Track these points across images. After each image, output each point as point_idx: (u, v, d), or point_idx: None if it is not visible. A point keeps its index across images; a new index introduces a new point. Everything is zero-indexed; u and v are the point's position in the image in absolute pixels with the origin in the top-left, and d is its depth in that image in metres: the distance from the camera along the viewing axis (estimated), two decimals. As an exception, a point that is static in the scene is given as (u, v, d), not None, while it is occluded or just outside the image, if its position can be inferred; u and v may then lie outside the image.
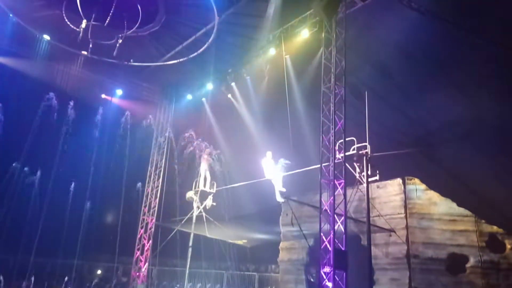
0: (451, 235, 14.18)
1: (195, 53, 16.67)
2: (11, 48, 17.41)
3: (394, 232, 14.48)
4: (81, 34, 14.05)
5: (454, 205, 14.46)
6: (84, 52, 16.95)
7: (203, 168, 15.74)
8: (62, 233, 18.80)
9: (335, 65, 12.15)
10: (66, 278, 18.49)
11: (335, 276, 10.53)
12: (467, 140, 12.96)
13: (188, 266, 16.51)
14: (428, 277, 13.78)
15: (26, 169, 18.46)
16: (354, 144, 11.88)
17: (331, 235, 10.82)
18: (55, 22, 15.27)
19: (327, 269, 10.74)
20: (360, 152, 11.82)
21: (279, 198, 13.64)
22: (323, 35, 12.95)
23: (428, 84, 12.66)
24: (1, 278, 16.62)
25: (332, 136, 11.56)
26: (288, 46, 14.89)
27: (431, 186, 14.88)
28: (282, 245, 18.32)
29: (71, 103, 18.51)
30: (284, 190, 13.60)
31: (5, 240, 17.62)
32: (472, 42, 10.87)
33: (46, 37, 16.44)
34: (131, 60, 17.78)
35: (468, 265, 13.81)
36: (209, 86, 19.09)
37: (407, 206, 14.81)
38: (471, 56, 11.27)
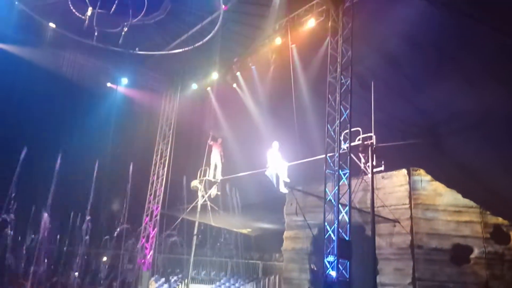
0: (456, 226, 14.19)
1: (201, 42, 16.61)
2: (17, 36, 17.40)
3: (399, 222, 14.51)
4: (86, 22, 14.01)
5: (459, 196, 14.44)
6: (90, 41, 16.97)
7: (215, 157, 15.68)
8: (67, 220, 18.99)
9: (342, 55, 12.06)
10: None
11: (339, 265, 10.59)
12: (474, 131, 12.85)
13: (193, 254, 16.68)
14: (432, 267, 13.84)
15: (31, 158, 18.53)
16: (360, 135, 11.85)
17: (336, 225, 10.86)
18: (61, 10, 15.22)
19: (331, 258, 10.80)
20: (366, 142, 11.79)
21: (283, 189, 13.66)
22: (329, 25, 12.84)
23: (435, 74, 12.50)
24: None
25: (337, 126, 11.53)
26: (294, 35, 14.76)
27: (437, 177, 14.84)
28: (286, 234, 18.41)
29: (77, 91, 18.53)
30: (288, 180, 13.61)
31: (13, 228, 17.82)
32: (481, 31, 10.70)
33: (52, 25, 16.42)
34: (137, 49, 17.75)
35: (472, 256, 13.84)
36: (214, 75, 19.02)
37: (412, 196, 14.82)
38: (480, 46, 11.11)
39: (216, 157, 15.74)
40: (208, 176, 15.84)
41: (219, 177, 15.55)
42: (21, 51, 18.03)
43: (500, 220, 14.12)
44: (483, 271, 13.47)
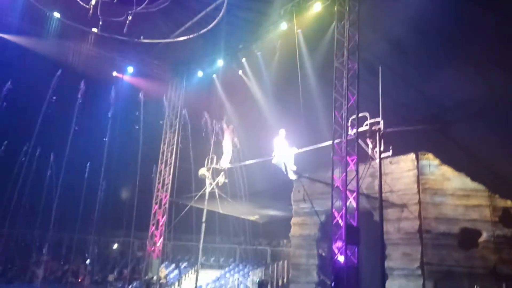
0: (464, 210, 14.14)
1: (205, 29, 16.46)
2: (22, 26, 17.40)
3: (407, 207, 14.49)
4: (91, 11, 13.94)
5: (467, 180, 14.36)
6: (95, 30, 16.90)
7: (227, 143, 15.57)
8: (78, 209, 19.22)
9: (348, 40, 11.92)
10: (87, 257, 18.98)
11: (347, 251, 10.64)
12: (481, 117, 12.74)
13: (201, 240, 16.84)
14: (440, 252, 13.84)
15: (40, 147, 18.70)
16: (367, 120, 11.76)
17: (343, 211, 10.88)
18: (65, -1, 15.16)
19: (339, 244, 10.85)
20: (373, 128, 11.69)
21: (292, 176, 13.65)
22: (335, 9, 12.67)
23: (443, 60, 12.36)
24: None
25: (344, 112, 11.46)
26: (300, 20, 14.60)
27: (445, 161, 14.76)
28: (293, 220, 18.49)
29: (82, 82, 18.52)
30: (295, 168, 13.60)
31: (24, 216, 18.10)
32: (488, 18, 10.52)
33: (56, 14, 16.37)
34: (142, 37, 17.66)
35: (480, 240, 13.81)
36: (220, 62, 18.93)
37: (420, 181, 14.76)
38: (486, 32, 10.94)
39: (227, 143, 15.60)
40: (219, 163, 15.72)
41: (227, 164, 15.48)
42: (26, 41, 18.04)
43: (509, 203, 14.03)
44: (492, 255, 13.44)
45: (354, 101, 11.48)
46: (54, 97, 18.04)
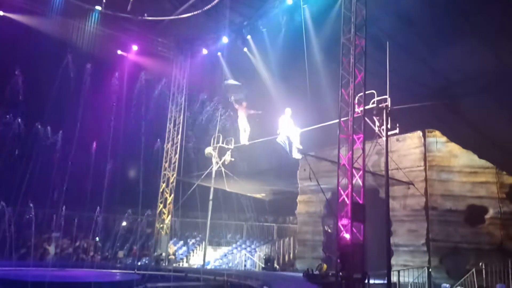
0: (471, 187, 14.16)
1: (209, 5, 16.20)
2: (26, 5, 17.24)
3: (413, 184, 14.53)
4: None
5: (475, 157, 14.31)
6: (98, 7, 16.73)
7: (242, 120, 15.42)
8: (87, 187, 19.43)
9: (356, 15, 11.65)
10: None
11: (353, 228, 10.71)
12: (490, 92, 12.53)
13: (209, 218, 17.06)
14: (446, 228, 13.95)
15: (48, 127, 18.79)
16: (374, 98, 11.64)
17: (349, 189, 10.90)
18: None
19: (345, 221, 10.91)
20: (380, 105, 11.58)
21: (296, 155, 13.61)
22: (342, -17, 12.35)
23: (451, 34, 12.07)
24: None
25: (351, 89, 11.31)
26: (306, -5, 14.31)
27: (452, 138, 14.68)
28: (300, 198, 18.65)
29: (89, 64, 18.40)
30: (301, 147, 13.57)
31: (34, 195, 18.34)
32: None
33: (60, -8, 16.20)
34: (145, 15, 17.46)
35: (487, 216, 13.87)
36: (225, 39, 18.69)
37: (426, 158, 14.74)
38: (496, 5, 10.63)
39: (243, 121, 15.43)
40: (240, 141, 15.51)
41: (246, 141, 15.28)
42: (29, 20, 17.89)
43: (516, 180, 14.02)
44: (498, 231, 13.52)
45: (361, 78, 11.30)
46: (58, 80, 17.99)
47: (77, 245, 20.70)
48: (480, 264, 12.57)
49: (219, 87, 19.07)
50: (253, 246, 21.52)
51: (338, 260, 10.84)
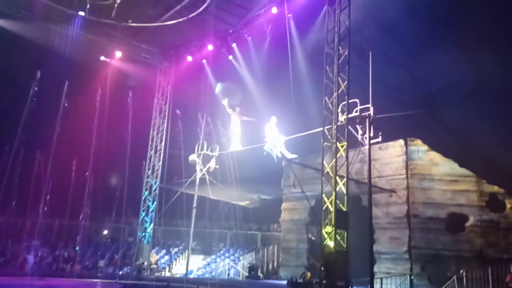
0: (452, 195, 14.37)
1: (194, 13, 16.21)
2: (8, 10, 16.94)
3: (395, 192, 14.68)
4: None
5: (456, 165, 14.55)
6: (82, 13, 16.56)
7: (235, 125, 15.20)
8: (68, 195, 19.09)
9: (339, 25, 11.83)
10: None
11: (337, 236, 10.77)
12: (471, 101, 12.83)
13: (192, 226, 16.87)
14: (428, 235, 14.10)
15: (28, 134, 18.43)
16: (357, 106, 11.77)
17: (333, 197, 10.96)
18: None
19: (328, 228, 10.96)
20: (363, 114, 11.72)
21: (289, 155, 13.44)
22: (326, -7, 12.53)
23: (433, 44, 12.37)
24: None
25: (335, 98, 11.44)
26: (290, 4, 14.44)
27: (433, 147, 14.90)
28: (284, 205, 18.64)
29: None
30: (290, 155, 13.55)
31: (14, 203, 17.97)
32: (478, 2, 10.51)
33: (43, -3, 15.98)
34: (129, 21, 17.34)
35: (467, 224, 14.07)
36: (210, 47, 18.70)
37: (408, 167, 14.92)
38: (477, 16, 10.94)
39: (236, 126, 15.23)
40: (231, 146, 15.31)
41: (238, 147, 15.07)
42: (11, 25, 17.59)
43: (496, 188, 14.29)
44: (478, 239, 13.73)
45: (345, 87, 11.47)
46: (36, 88, 17.71)
47: (57, 254, 20.26)
48: (461, 271, 12.73)
49: (205, 94, 18.98)
50: (236, 255, 21.37)
51: (322, 268, 10.87)
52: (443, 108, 13.93)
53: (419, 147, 15.02)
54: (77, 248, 19.91)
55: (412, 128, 14.80)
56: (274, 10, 15.37)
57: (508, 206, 14.06)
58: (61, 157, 18.83)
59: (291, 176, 16.49)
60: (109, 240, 22.86)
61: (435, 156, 14.83)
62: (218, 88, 16.74)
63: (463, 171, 14.45)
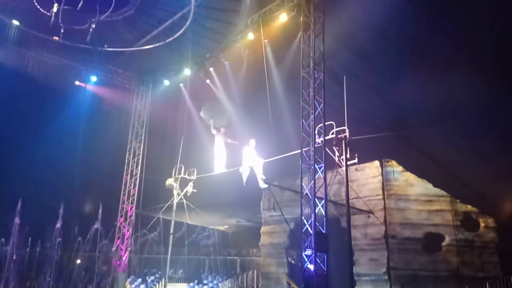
0: (427, 215, 14.62)
1: (171, 38, 16.29)
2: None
3: (373, 213, 14.82)
4: (52, 19, 13.51)
5: (430, 185, 14.88)
6: (56, 38, 16.38)
7: (220, 148, 14.92)
8: (39, 223, 18.44)
9: (314, 50, 12.15)
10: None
11: (317, 259, 10.72)
12: (441, 123, 13.23)
13: (169, 253, 16.50)
14: (406, 256, 14.23)
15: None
16: (333, 128, 12.00)
17: (312, 219, 10.97)
18: (25, 6, 14.63)
19: (308, 251, 10.91)
20: (339, 136, 11.96)
21: (262, 185, 13.66)
22: (301, 19, 12.88)
23: (403, 67, 12.78)
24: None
25: (312, 120, 11.62)
26: (266, 30, 14.71)
27: (408, 168, 15.23)
28: (263, 229, 18.50)
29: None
30: (263, 177, 13.64)
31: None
32: (450, 24, 10.98)
33: (16, 22, 15.76)
34: (105, 46, 17.27)
35: (444, 243, 14.30)
36: (187, 71, 18.78)
37: (385, 187, 15.15)
38: (448, 38, 11.41)
39: (220, 148, 14.99)
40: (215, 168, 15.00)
41: (223, 169, 14.83)
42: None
43: (469, 207, 14.64)
44: (454, 258, 13.95)
45: (321, 110, 11.68)
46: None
47: (27, 285, 19.38)
48: (439, 290, 12.85)
49: (182, 118, 18.92)
50: (215, 282, 20.92)
51: (303, 292, 10.75)
52: (415, 129, 14.29)
53: (394, 168, 15.32)
54: (48, 279, 19.08)
55: (387, 149, 15.11)
56: (251, 35, 15.64)
57: (482, 225, 14.41)
58: (35, 182, 18.29)
59: (270, 198, 16.46)
60: (82, 272, 22.05)
61: (410, 176, 15.14)
62: (204, 108, 16.66)
63: (438, 191, 14.77)
